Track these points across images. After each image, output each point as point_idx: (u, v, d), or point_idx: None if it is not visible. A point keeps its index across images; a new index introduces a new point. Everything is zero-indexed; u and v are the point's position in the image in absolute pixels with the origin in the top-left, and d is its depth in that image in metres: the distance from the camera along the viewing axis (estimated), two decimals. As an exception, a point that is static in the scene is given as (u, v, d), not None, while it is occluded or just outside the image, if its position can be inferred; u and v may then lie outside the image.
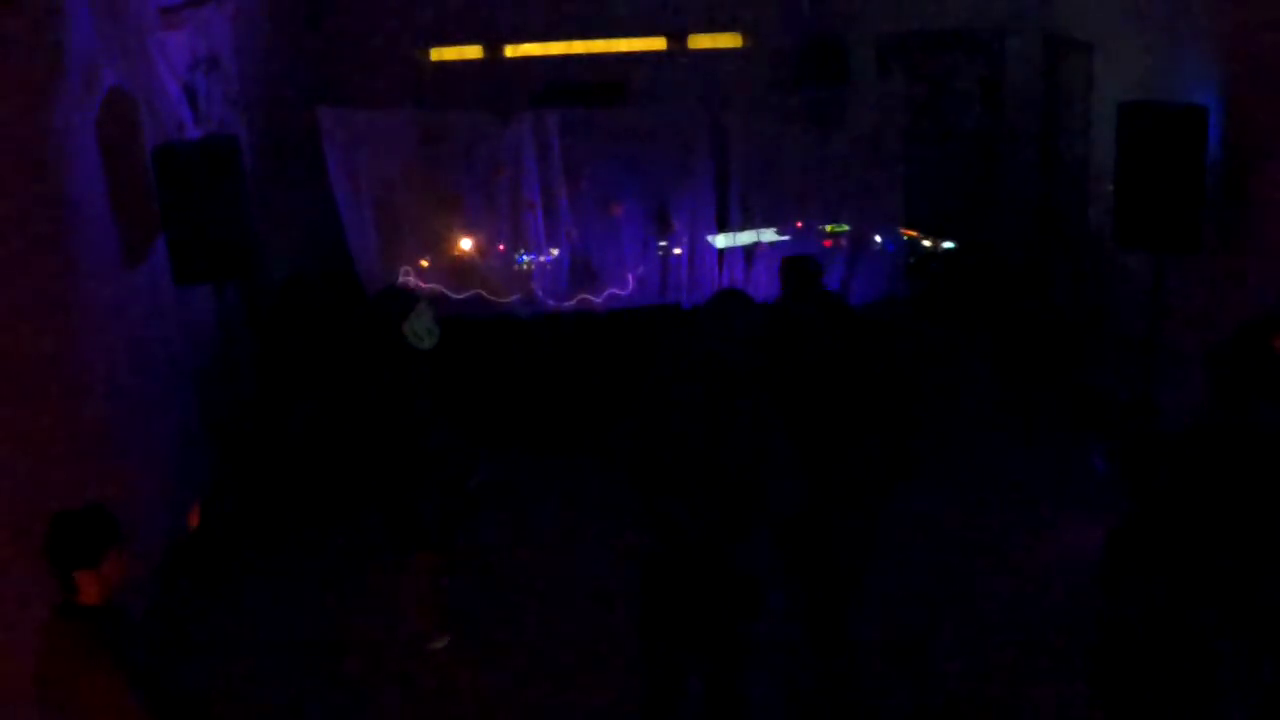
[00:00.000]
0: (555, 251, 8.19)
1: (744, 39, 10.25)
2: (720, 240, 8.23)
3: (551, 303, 8.17)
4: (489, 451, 6.99)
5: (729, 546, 4.60)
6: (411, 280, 8.10)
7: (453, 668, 5.94)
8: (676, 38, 10.24)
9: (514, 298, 8.14)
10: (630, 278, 8.21)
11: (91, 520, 3.67)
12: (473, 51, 10.26)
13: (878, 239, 8.30)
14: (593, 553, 6.76)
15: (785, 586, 5.45)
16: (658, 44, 10.24)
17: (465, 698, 5.73)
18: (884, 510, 5.44)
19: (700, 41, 10.29)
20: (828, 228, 8.27)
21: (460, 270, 8.19)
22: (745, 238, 8.25)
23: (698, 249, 8.19)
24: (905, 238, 8.43)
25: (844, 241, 8.25)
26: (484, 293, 8.12)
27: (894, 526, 5.92)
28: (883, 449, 5.26)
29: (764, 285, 8.18)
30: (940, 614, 6.08)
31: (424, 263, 8.21)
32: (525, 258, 8.21)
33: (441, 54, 10.27)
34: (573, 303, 8.19)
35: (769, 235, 8.24)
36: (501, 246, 8.22)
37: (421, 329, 5.90)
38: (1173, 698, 4.13)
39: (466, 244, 8.26)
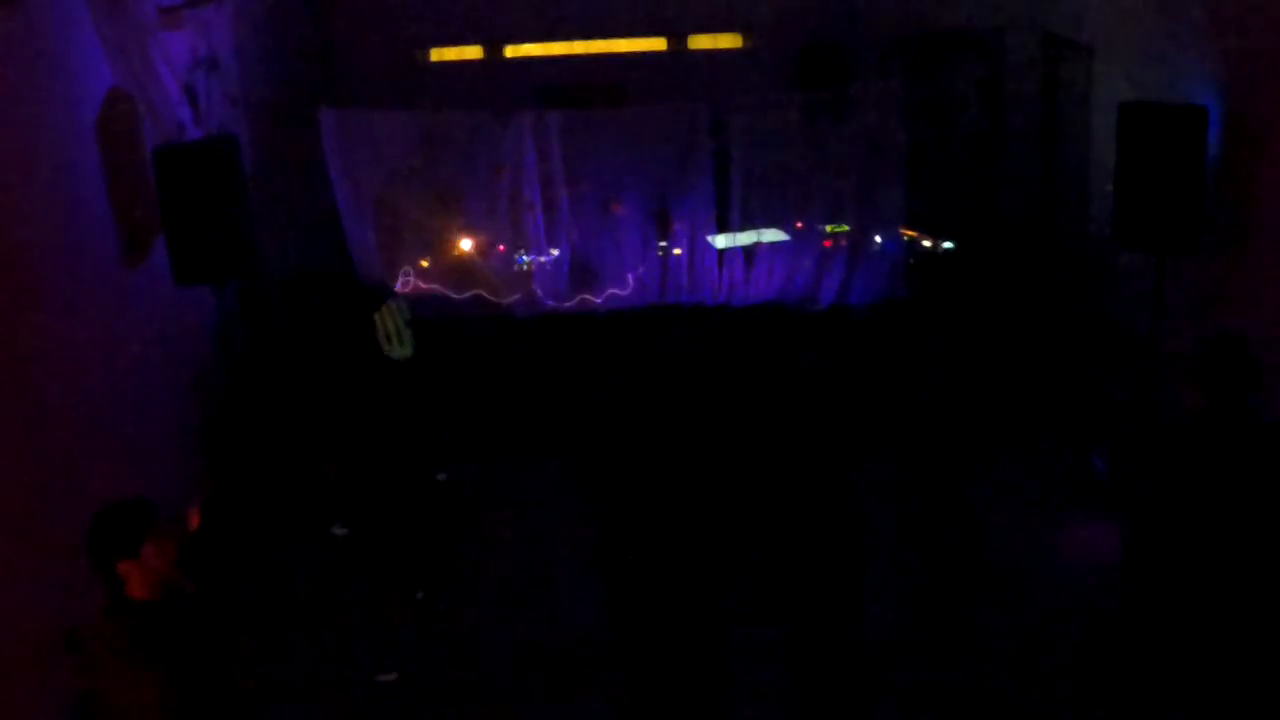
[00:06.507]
0: (555, 252, 8.20)
1: (744, 39, 10.25)
2: (720, 240, 8.23)
3: (551, 303, 8.18)
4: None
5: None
6: (411, 280, 8.10)
7: (444, 669, 5.93)
8: (676, 38, 10.25)
9: (514, 298, 8.14)
10: (630, 278, 8.22)
11: (126, 510, 3.60)
12: (473, 51, 10.27)
13: (878, 239, 8.30)
14: (592, 552, 6.74)
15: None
16: (658, 44, 10.24)
17: (453, 702, 5.71)
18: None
19: (700, 42, 10.30)
20: (828, 228, 8.28)
21: (460, 271, 8.20)
22: (745, 238, 8.26)
23: (698, 249, 8.20)
24: (905, 238, 8.43)
25: (844, 241, 8.25)
26: (484, 293, 8.14)
27: (889, 525, 5.92)
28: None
29: (763, 285, 8.18)
30: (939, 612, 6.08)
31: (424, 263, 8.22)
32: (525, 258, 8.23)
33: (441, 54, 10.28)
34: (573, 303, 8.20)
35: (769, 235, 8.25)
36: (501, 247, 8.24)
37: (392, 329, 5.80)
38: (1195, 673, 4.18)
39: (466, 244, 8.27)
